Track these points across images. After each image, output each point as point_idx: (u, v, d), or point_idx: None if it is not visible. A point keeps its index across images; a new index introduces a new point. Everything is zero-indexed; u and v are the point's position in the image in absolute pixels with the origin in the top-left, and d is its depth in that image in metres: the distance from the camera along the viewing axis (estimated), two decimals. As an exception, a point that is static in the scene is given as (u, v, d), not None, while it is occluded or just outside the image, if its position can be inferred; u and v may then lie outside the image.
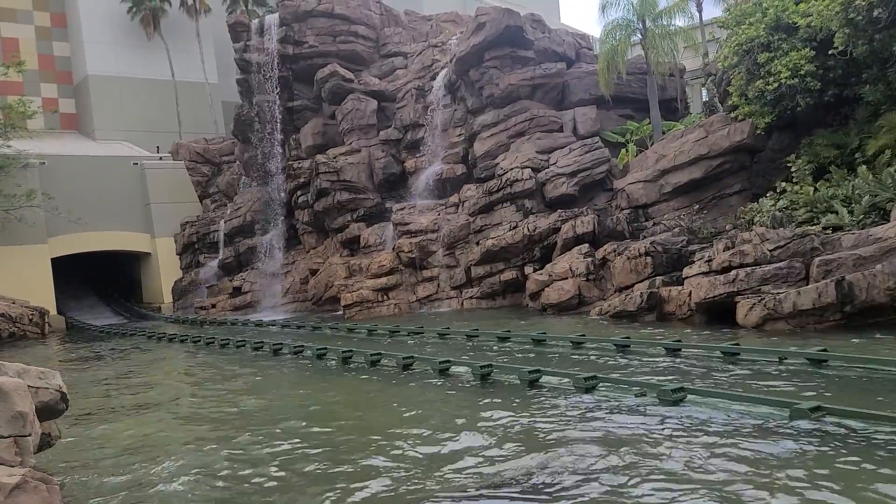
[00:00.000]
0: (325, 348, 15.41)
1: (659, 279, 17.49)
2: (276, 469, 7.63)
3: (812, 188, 17.37)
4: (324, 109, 32.33)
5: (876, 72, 17.45)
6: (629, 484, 6.29)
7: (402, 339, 17.59)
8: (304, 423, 9.72)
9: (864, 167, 16.63)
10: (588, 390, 9.69)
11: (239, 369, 15.55)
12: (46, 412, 7.08)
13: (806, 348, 11.06)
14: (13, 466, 5.58)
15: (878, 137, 17.07)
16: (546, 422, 8.54)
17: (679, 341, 12.83)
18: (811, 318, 13.41)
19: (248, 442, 8.89)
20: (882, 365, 9.82)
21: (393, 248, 26.08)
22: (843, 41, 16.74)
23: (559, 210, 23.18)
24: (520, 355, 13.66)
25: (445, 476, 6.92)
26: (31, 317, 30.11)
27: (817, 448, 6.84)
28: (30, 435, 5.98)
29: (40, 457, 7.65)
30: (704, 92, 30.89)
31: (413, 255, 25.35)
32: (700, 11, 30.27)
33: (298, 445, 8.52)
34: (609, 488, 6.23)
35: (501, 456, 7.38)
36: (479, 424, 8.70)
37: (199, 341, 21.00)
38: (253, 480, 7.33)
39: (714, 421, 7.95)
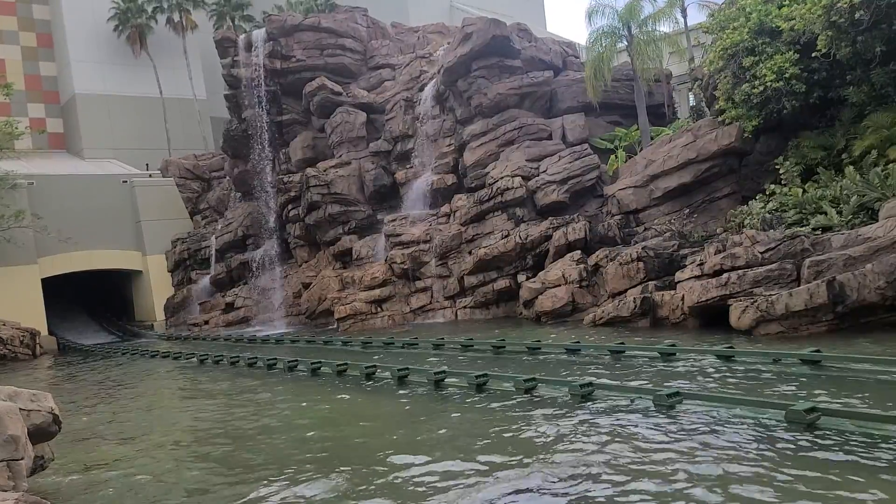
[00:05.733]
0: (320, 362, 15.35)
1: (651, 284, 17.53)
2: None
3: (801, 190, 17.48)
4: (313, 123, 32.35)
5: (859, 73, 17.61)
6: (626, 492, 6.27)
7: (397, 351, 17.54)
8: (318, 445, 9.66)
9: (851, 168, 16.75)
10: (584, 397, 9.68)
11: (230, 386, 15.47)
12: (39, 435, 7.02)
13: (799, 349, 11.10)
14: (6, 491, 5.53)
15: (864, 138, 17.20)
16: (541, 430, 8.52)
17: (674, 345, 12.84)
18: (804, 320, 13.46)
19: (239, 465, 8.84)
20: (875, 364, 9.87)
21: (385, 260, 26.05)
22: (826, 44, 16.89)
23: (550, 217, 23.23)
24: (515, 364, 13.64)
25: (436, 489, 6.89)
26: (21, 338, 29.88)
27: (813, 449, 6.86)
28: (22, 458, 5.92)
29: (34, 479, 7.58)
30: (691, 97, 31.07)
31: (406, 266, 25.33)
32: (685, 17, 30.46)
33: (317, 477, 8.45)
34: (605, 496, 6.21)
35: (496, 466, 7.35)
36: (475, 435, 8.67)
37: (192, 358, 20.87)
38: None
39: (710, 424, 7.95)
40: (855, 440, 6.98)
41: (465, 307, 24.18)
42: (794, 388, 9.43)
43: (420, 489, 6.89)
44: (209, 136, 49.59)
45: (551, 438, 8.13)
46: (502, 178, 24.48)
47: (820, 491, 5.88)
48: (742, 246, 15.59)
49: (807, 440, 7.11)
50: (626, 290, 18.20)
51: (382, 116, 30.69)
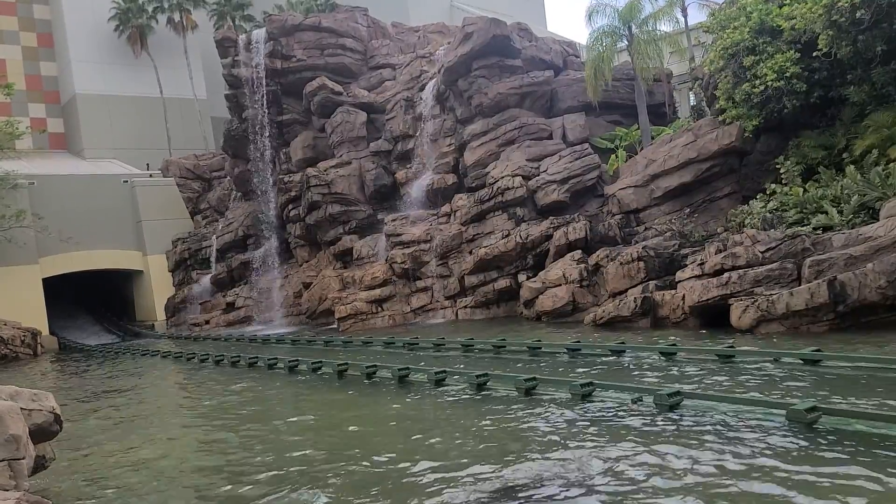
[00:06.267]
0: (321, 362, 15.35)
1: (652, 284, 17.51)
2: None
3: (801, 189, 17.47)
4: (313, 123, 32.36)
5: (860, 72, 17.60)
6: (626, 491, 6.27)
7: (398, 351, 17.54)
8: (320, 449, 9.66)
9: (851, 167, 16.73)
10: (584, 397, 9.67)
11: (231, 386, 15.46)
12: (40, 434, 7.03)
13: (800, 349, 11.09)
14: (7, 490, 5.53)
15: (865, 137, 17.19)
16: (542, 430, 8.52)
17: (674, 345, 12.83)
18: (805, 319, 13.45)
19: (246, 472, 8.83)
20: (876, 363, 9.86)
21: (386, 260, 26.06)
22: (826, 43, 16.89)
23: (551, 217, 23.23)
24: (516, 364, 13.64)
25: (439, 491, 6.89)
26: (22, 338, 29.91)
27: (814, 449, 6.85)
28: (24, 458, 5.93)
29: (35, 479, 7.58)
30: (692, 96, 31.09)
31: (406, 266, 25.33)
32: (685, 16, 30.50)
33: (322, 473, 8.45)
34: (606, 496, 6.21)
35: (495, 467, 7.35)
36: (475, 434, 8.67)
37: (193, 358, 20.88)
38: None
39: (710, 424, 7.95)
40: (856, 439, 6.97)
41: (465, 307, 24.18)
42: (794, 387, 9.43)
43: (418, 489, 6.90)
44: (210, 136, 49.62)
45: (551, 438, 8.13)
46: (503, 177, 24.48)
47: (820, 490, 5.88)
48: (743, 245, 15.59)
49: (807, 439, 7.10)
50: (626, 290, 18.19)
51: (383, 116, 30.70)
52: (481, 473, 7.13)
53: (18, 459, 5.84)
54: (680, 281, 16.61)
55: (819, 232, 15.51)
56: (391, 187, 29.56)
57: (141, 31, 47.92)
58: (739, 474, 6.35)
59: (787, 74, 17.92)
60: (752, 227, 16.81)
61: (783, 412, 7.76)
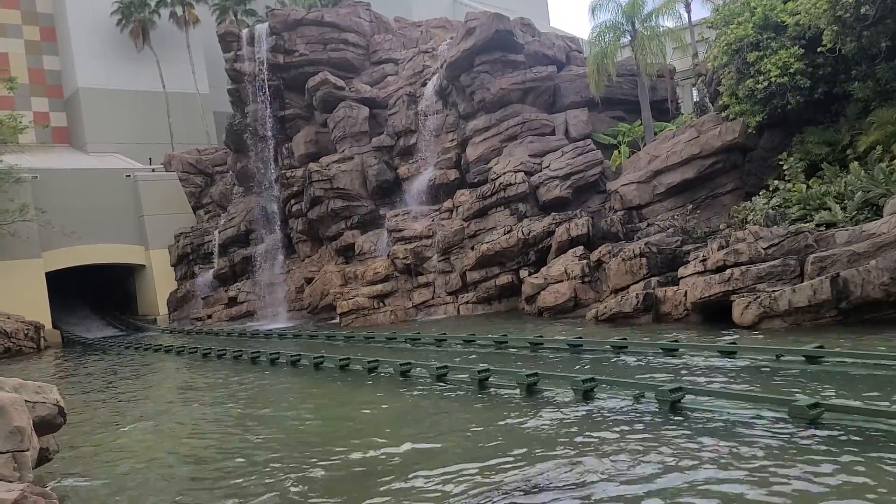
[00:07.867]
0: (323, 356, 15.38)
1: (654, 280, 17.51)
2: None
3: (804, 185, 17.44)
4: (316, 118, 32.33)
5: (864, 68, 17.56)
6: (627, 489, 6.28)
7: (400, 346, 17.56)
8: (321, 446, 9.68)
9: (855, 163, 16.71)
10: (586, 393, 9.68)
11: (233, 380, 15.50)
12: (44, 427, 7.06)
13: (802, 346, 11.08)
14: (12, 482, 5.56)
15: (869, 133, 17.16)
16: (542, 427, 8.54)
17: (676, 341, 12.84)
18: (807, 316, 13.44)
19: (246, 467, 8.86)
20: (879, 360, 9.85)
21: (388, 255, 26.07)
22: (831, 38, 16.84)
23: (553, 213, 23.22)
24: (517, 359, 13.65)
25: (435, 491, 6.90)
26: (26, 331, 29.96)
27: (816, 445, 6.86)
28: (28, 450, 5.95)
29: (39, 471, 7.62)
30: (695, 92, 31.02)
31: (408, 262, 25.34)
32: (688, 12, 30.40)
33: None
34: (607, 495, 6.22)
35: (496, 463, 7.36)
36: (476, 430, 8.68)
37: (195, 352, 20.93)
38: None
39: (712, 420, 7.96)
40: (858, 436, 6.97)
41: (467, 302, 24.19)
42: (797, 383, 9.43)
43: (415, 484, 6.91)
44: (212, 131, 49.60)
45: (552, 435, 8.14)
46: (505, 173, 24.47)
47: (822, 487, 5.88)
48: (745, 242, 15.57)
49: (810, 436, 7.11)
50: (628, 286, 18.18)
51: (385, 111, 30.67)
52: (480, 470, 7.14)
53: (22, 451, 5.87)
54: (682, 277, 16.60)
55: (822, 228, 15.48)
56: (393, 182, 29.54)
57: (143, 25, 47.85)
58: (742, 471, 6.35)
59: (791, 70, 17.87)
60: (754, 224, 16.79)
61: (785, 409, 7.76)
